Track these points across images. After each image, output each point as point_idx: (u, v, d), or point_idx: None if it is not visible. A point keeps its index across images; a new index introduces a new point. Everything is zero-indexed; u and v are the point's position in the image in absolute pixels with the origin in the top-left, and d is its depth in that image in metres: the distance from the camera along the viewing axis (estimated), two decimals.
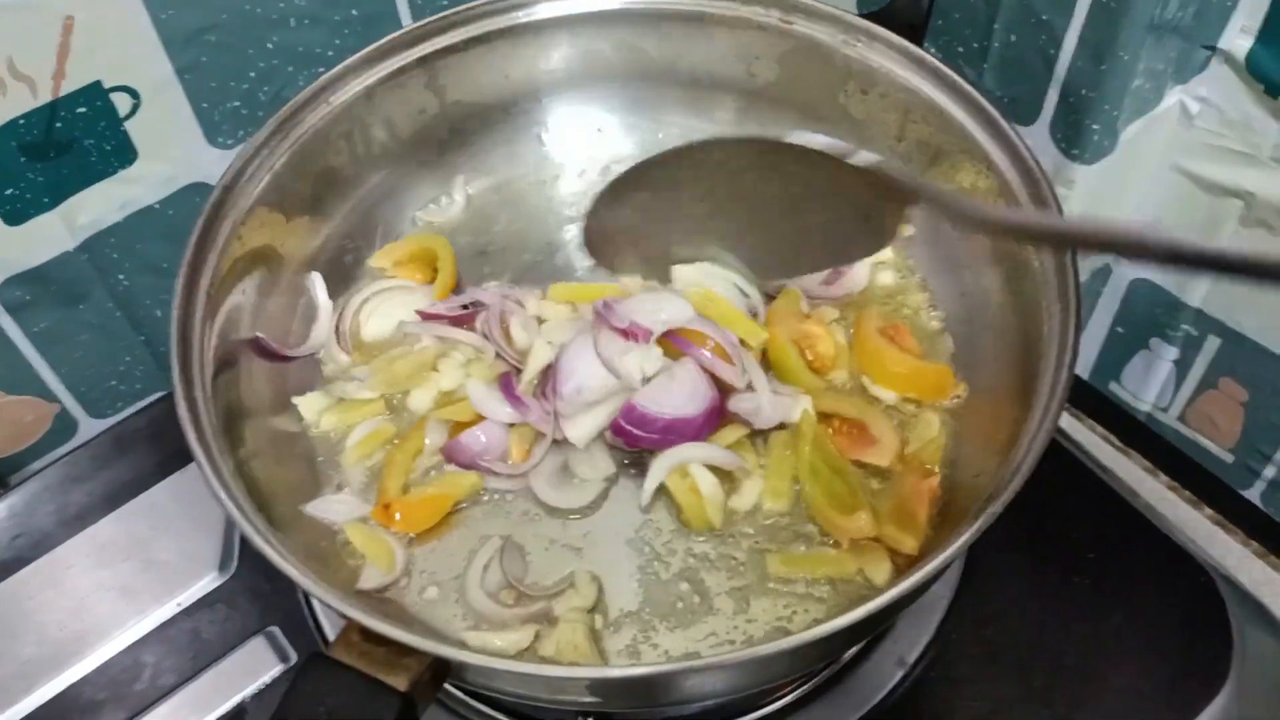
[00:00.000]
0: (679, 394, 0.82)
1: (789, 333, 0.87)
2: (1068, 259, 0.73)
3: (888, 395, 0.86)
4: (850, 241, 0.79)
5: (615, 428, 0.83)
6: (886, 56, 0.88)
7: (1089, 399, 1.04)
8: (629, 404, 0.82)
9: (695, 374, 0.83)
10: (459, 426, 0.85)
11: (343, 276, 0.95)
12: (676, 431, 0.82)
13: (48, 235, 0.96)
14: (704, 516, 0.80)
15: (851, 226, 0.77)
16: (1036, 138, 1.06)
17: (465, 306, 0.92)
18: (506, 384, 0.85)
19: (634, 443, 0.83)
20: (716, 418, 0.83)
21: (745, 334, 0.86)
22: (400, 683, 0.60)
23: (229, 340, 0.80)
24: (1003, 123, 0.81)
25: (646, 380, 0.82)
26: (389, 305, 0.93)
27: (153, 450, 0.99)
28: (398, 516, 0.81)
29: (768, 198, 0.78)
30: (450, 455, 0.84)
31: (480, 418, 0.84)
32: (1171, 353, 1.22)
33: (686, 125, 1.00)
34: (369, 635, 0.61)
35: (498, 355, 0.89)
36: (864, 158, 0.72)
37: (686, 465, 0.81)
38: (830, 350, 0.88)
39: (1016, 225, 0.72)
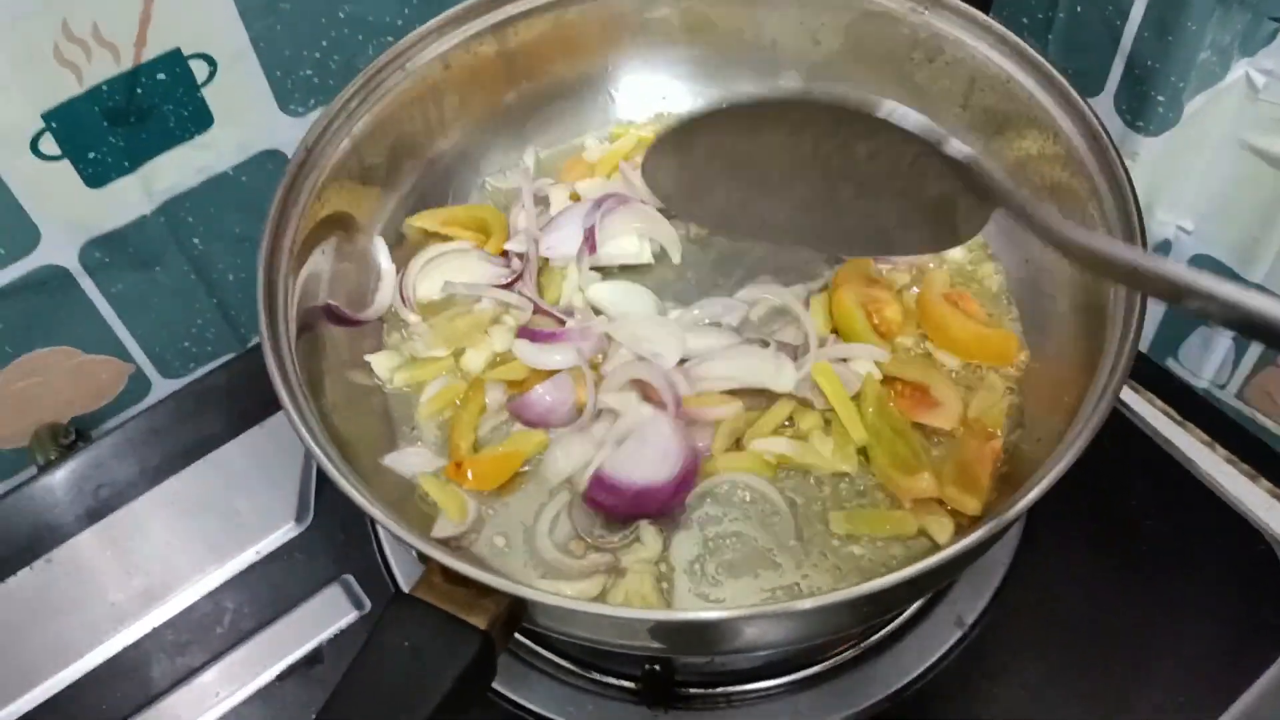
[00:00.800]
0: (650, 458, 0.80)
1: (856, 296, 0.88)
2: (1136, 230, 0.73)
3: (952, 361, 0.87)
4: (919, 233, 0.76)
5: (589, 499, 0.81)
6: (953, 24, 0.89)
7: (1149, 373, 1.04)
8: (596, 474, 0.80)
9: (668, 433, 0.80)
10: (515, 385, 0.86)
11: (413, 242, 0.96)
12: (649, 499, 0.79)
13: (126, 198, 0.99)
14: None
15: (925, 218, 0.74)
16: (1101, 109, 1.06)
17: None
18: (535, 333, 0.86)
19: (607, 511, 0.81)
20: (691, 479, 0.81)
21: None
22: (480, 621, 0.62)
23: (309, 298, 0.82)
24: (1071, 91, 0.81)
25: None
26: (445, 267, 0.94)
27: (228, 408, 1.02)
28: (470, 475, 0.82)
29: (842, 169, 0.74)
30: (517, 413, 0.85)
31: (536, 375, 0.85)
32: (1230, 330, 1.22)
33: (752, 93, 1.01)
34: (450, 576, 0.63)
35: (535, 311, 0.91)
36: (956, 148, 0.67)
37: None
38: (897, 315, 0.88)
39: (1100, 256, 0.62)
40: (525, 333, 0.87)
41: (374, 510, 0.64)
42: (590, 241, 0.92)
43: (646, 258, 0.94)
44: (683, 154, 0.77)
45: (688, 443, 0.81)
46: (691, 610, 0.64)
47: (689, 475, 0.80)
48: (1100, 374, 0.71)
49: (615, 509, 0.80)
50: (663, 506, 0.79)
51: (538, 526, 0.80)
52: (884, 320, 0.87)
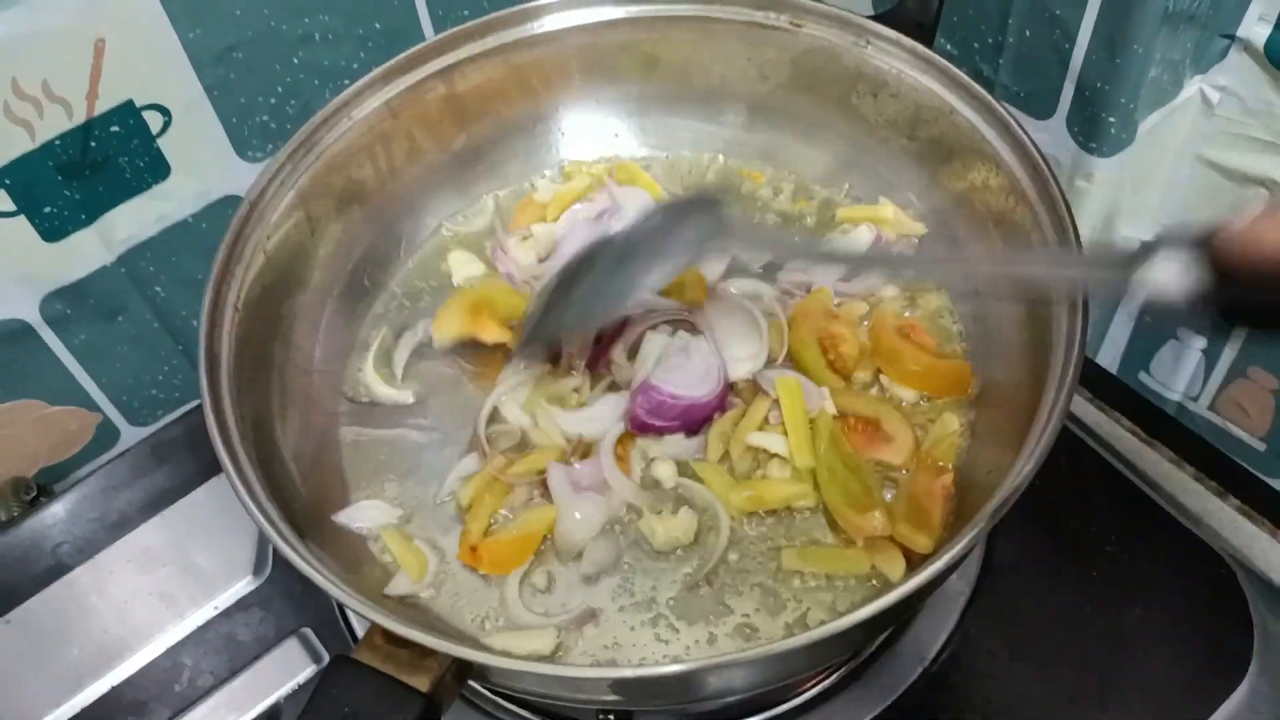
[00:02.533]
0: (695, 374, 0.84)
1: (814, 330, 0.88)
2: (1073, 249, 0.73)
3: (907, 394, 0.87)
4: None
5: (635, 421, 0.84)
6: (896, 57, 0.89)
7: (1116, 393, 1.04)
8: (645, 391, 0.83)
9: (707, 349, 0.85)
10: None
11: (361, 295, 0.97)
12: (695, 413, 0.83)
13: (86, 251, 0.99)
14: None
15: None
16: (1054, 132, 1.06)
17: None
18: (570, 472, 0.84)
19: (655, 430, 0.84)
20: (727, 396, 0.85)
21: None
22: (422, 683, 0.61)
23: (258, 352, 0.82)
24: (1012, 122, 0.81)
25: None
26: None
27: (190, 457, 1.01)
28: (485, 559, 0.80)
29: None
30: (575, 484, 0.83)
31: None
32: (1200, 342, 1.21)
33: (700, 129, 1.02)
34: (391, 638, 0.63)
35: None
36: None
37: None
38: (854, 352, 0.88)
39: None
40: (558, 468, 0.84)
41: (312, 573, 0.64)
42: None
43: None
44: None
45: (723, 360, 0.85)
46: (640, 668, 0.63)
47: (726, 392, 0.84)
48: (1046, 396, 0.71)
49: (663, 427, 0.83)
50: (704, 422, 0.84)
51: (507, 582, 0.80)
52: (840, 356, 0.87)
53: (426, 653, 0.62)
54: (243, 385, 0.77)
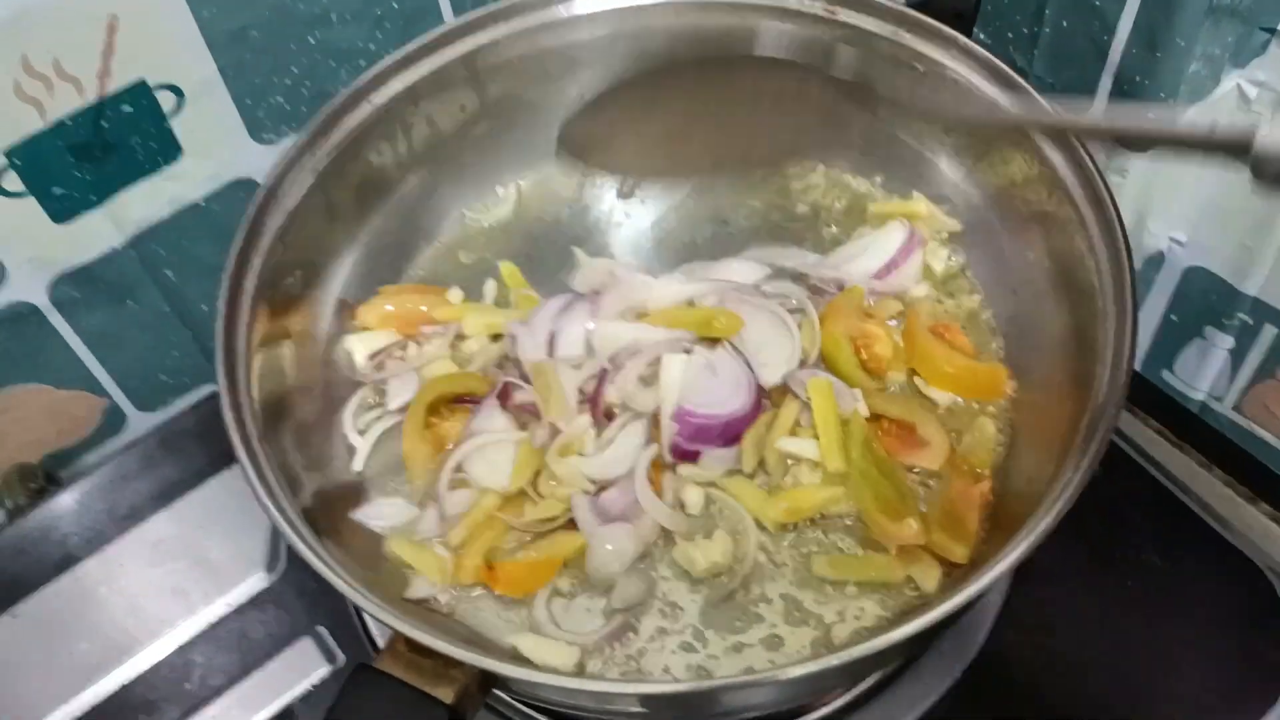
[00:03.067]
0: (726, 387, 0.82)
1: (847, 329, 0.86)
2: (1124, 259, 0.71)
3: (941, 396, 0.85)
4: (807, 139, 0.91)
5: (675, 450, 0.81)
6: (933, 46, 0.86)
7: (1141, 391, 1.02)
8: (681, 413, 0.80)
9: (731, 360, 0.83)
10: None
11: (379, 280, 0.94)
12: (735, 427, 0.81)
13: (96, 233, 0.97)
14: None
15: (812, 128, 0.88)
16: None
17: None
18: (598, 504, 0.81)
19: (689, 456, 0.82)
20: (760, 404, 0.83)
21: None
22: (446, 695, 0.60)
23: (274, 344, 0.80)
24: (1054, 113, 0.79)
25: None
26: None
27: (201, 448, 1.00)
28: (499, 579, 0.78)
29: (731, 103, 0.86)
30: (604, 512, 0.80)
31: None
32: (1227, 341, 1.20)
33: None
34: (415, 646, 0.61)
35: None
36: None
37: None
38: (888, 352, 0.86)
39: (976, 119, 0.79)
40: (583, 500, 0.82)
41: (333, 577, 0.62)
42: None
43: None
44: (599, 122, 0.89)
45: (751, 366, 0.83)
46: (666, 683, 0.62)
47: (759, 400, 0.82)
48: (1091, 411, 0.69)
49: (696, 449, 0.81)
50: (742, 433, 0.82)
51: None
52: (874, 356, 0.85)
53: (451, 663, 0.61)
54: (259, 378, 0.75)
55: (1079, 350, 0.74)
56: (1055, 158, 0.80)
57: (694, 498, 0.81)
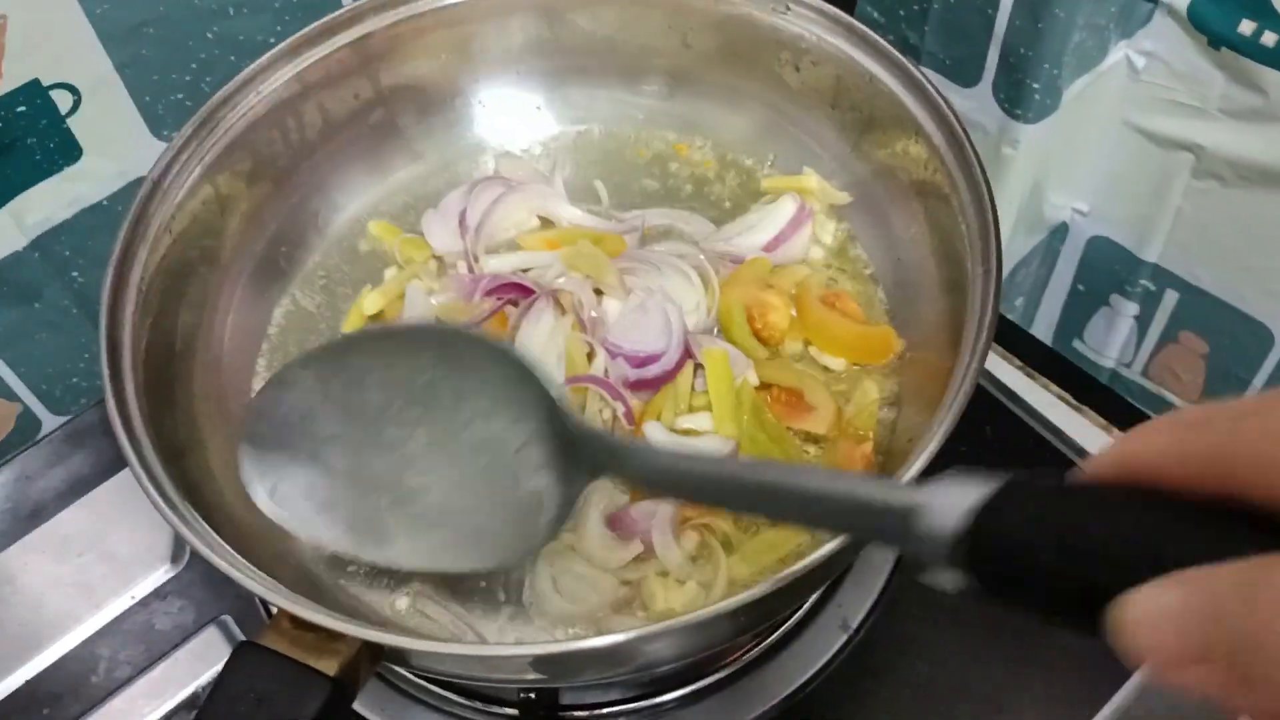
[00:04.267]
0: (653, 328, 0.84)
1: (744, 297, 0.87)
2: (990, 218, 0.73)
3: (836, 363, 0.86)
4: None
5: (628, 383, 0.83)
6: (818, 25, 0.88)
7: (1049, 362, 1.04)
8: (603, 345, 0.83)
9: (661, 305, 0.84)
10: None
11: (276, 275, 0.94)
12: (653, 364, 0.83)
13: None
14: None
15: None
16: (980, 99, 1.06)
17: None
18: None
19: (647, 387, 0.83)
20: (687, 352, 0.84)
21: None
22: (329, 667, 0.60)
23: (164, 337, 0.80)
24: (930, 88, 0.80)
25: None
26: None
27: (108, 443, 0.97)
28: None
29: None
30: (616, 526, 0.79)
31: None
32: (1132, 309, 1.23)
33: (622, 99, 1.00)
34: (299, 622, 0.62)
35: None
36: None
37: None
38: (784, 322, 0.87)
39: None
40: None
41: (210, 554, 0.63)
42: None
43: None
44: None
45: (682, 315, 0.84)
46: (548, 643, 0.62)
47: (687, 347, 0.83)
48: (960, 360, 0.70)
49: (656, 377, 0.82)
50: (665, 375, 0.82)
51: None
52: (769, 325, 0.86)
53: (335, 636, 0.61)
54: (148, 370, 0.75)
55: (954, 311, 0.76)
56: (932, 132, 0.81)
57: (689, 543, 0.79)
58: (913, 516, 0.40)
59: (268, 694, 0.60)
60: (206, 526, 0.66)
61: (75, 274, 1.04)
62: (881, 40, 0.84)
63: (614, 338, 0.84)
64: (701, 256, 0.90)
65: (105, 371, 0.71)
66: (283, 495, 0.66)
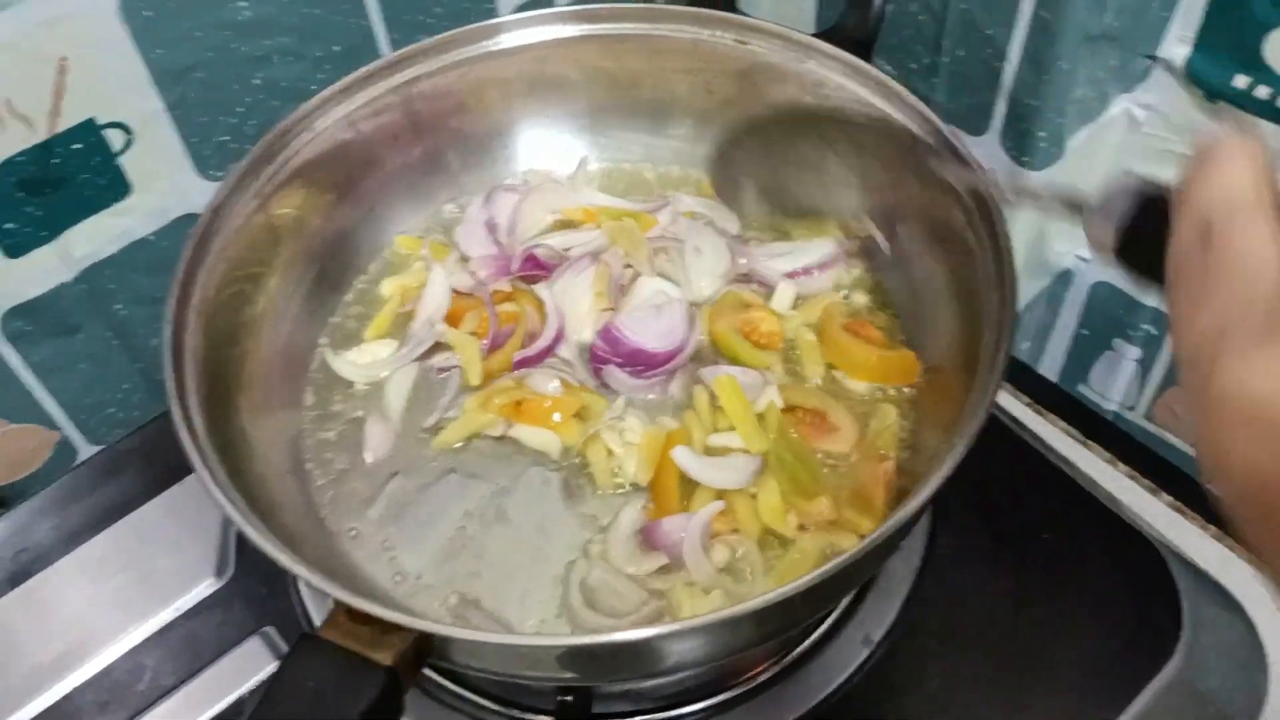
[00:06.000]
0: (657, 329, 0.90)
1: (731, 322, 0.92)
2: (1003, 243, 0.77)
3: (860, 387, 0.90)
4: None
5: (592, 349, 0.91)
6: (837, 72, 0.93)
7: (1057, 400, 1.08)
8: (606, 325, 0.90)
9: (681, 314, 0.91)
10: None
11: (324, 297, 0.98)
12: (641, 361, 0.89)
13: (46, 267, 1.00)
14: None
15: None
16: (988, 147, 1.11)
17: None
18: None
19: (601, 361, 0.90)
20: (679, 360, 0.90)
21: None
22: (385, 658, 0.63)
23: (220, 360, 0.84)
24: (944, 130, 0.85)
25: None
26: None
27: (146, 469, 1.02)
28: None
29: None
30: (647, 538, 0.82)
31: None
32: (1134, 352, 1.26)
33: (651, 142, 1.05)
34: (354, 616, 0.64)
35: None
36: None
37: None
38: (775, 327, 0.92)
39: None
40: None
41: (275, 552, 0.66)
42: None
43: None
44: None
45: (693, 333, 0.91)
46: (580, 637, 0.65)
47: (678, 355, 0.90)
48: (976, 383, 0.74)
49: (606, 359, 0.89)
50: (643, 372, 0.89)
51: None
52: (762, 335, 0.91)
53: (389, 628, 0.64)
54: (208, 388, 0.79)
55: (970, 338, 0.80)
56: (951, 176, 0.86)
57: (721, 555, 0.81)
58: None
59: (326, 683, 0.62)
60: (265, 528, 0.69)
61: (118, 306, 1.08)
62: (898, 85, 0.89)
63: (620, 323, 0.90)
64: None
65: (170, 381, 0.74)
66: None
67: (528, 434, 0.88)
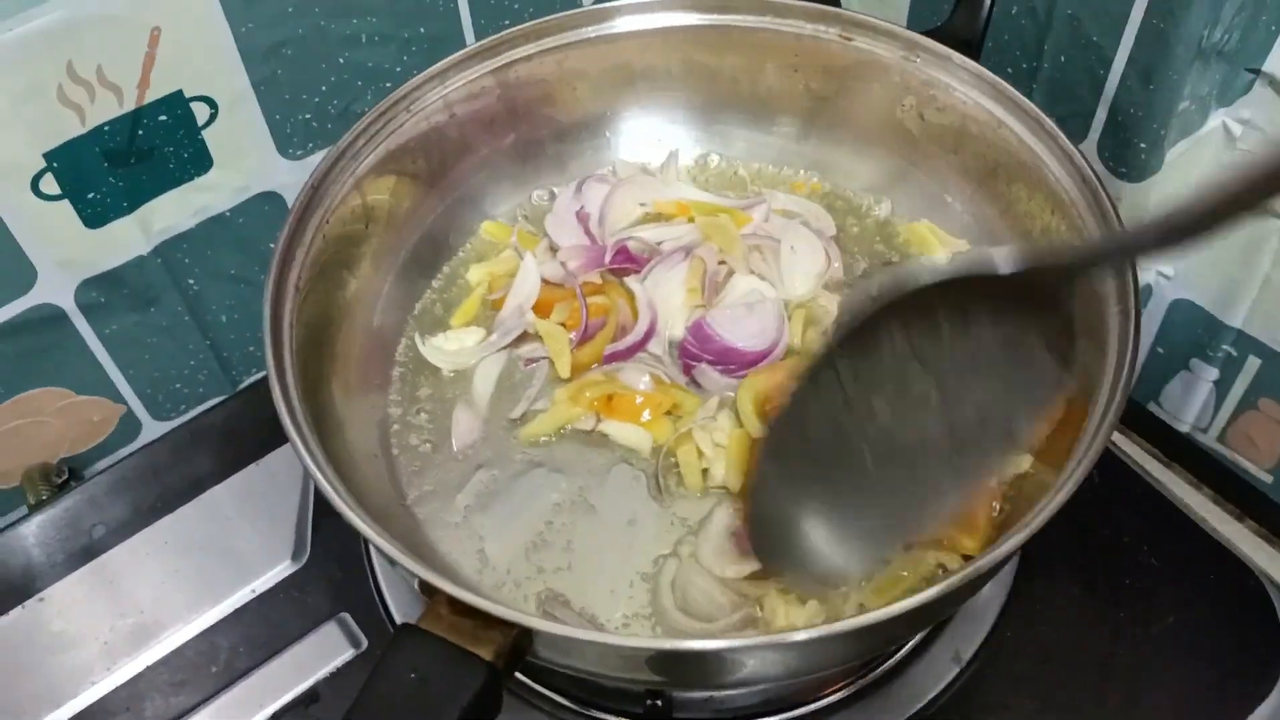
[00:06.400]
0: (749, 328, 0.89)
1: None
2: (1128, 272, 0.75)
3: None
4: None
5: (682, 346, 0.90)
6: (945, 71, 0.91)
7: (1133, 415, 1.05)
8: (698, 320, 0.89)
9: (775, 314, 0.89)
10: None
11: (416, 277, 0.97)
12: (732, 360, 0.87)
13: (124, 239, 0.99)
14: None
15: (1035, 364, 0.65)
16: (1085, 155, 1.09)
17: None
18: None
19: (691, 358, 0.89)
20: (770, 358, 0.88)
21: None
22: (486, 653, 0.62)
23: (315, 338, 0.83)
24: (1061, 137, 0.83)
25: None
26: None
27: (223, 448, 1.01)
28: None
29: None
30: (743, 542, 0.79)
31: None
32: (1211, 373, 1.23)
33: (749, 138, 1.03)
34: (456, 607, 0.63)
35: None
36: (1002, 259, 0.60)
37: None
38: None
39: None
40: None
41: (378, 538, 0.64)
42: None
43: None
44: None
45: (785, 333, 0.89)
46: (685, 641, 0.64)
47: (770, 354, 0.88)
48: (1094, 411, 0.72)
49: (697, 356, 0.88)
50: (734, 371, 0.87)
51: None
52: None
53: (490, 623, 0.63)
54: (301, 365, 0.78)
55: (1086, 361, 0.78)
56: (1060, 177, 0.84)
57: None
58: None
59: (429, 675, 0.61)
60: (365, 513, 0.68)
61: (192, 282, 1.07)
62: (1010, 87, 0.87)
63: (712, 320, 0.89)
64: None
65: (270, 355, 0.73)
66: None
67: (618, 429, 0.87)
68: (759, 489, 0.68)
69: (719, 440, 0.84)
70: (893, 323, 0.64)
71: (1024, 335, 0.64)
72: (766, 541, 0.71)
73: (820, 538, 0.70)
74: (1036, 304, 0.63)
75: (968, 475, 0.70)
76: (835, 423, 0.67)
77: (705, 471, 0.84)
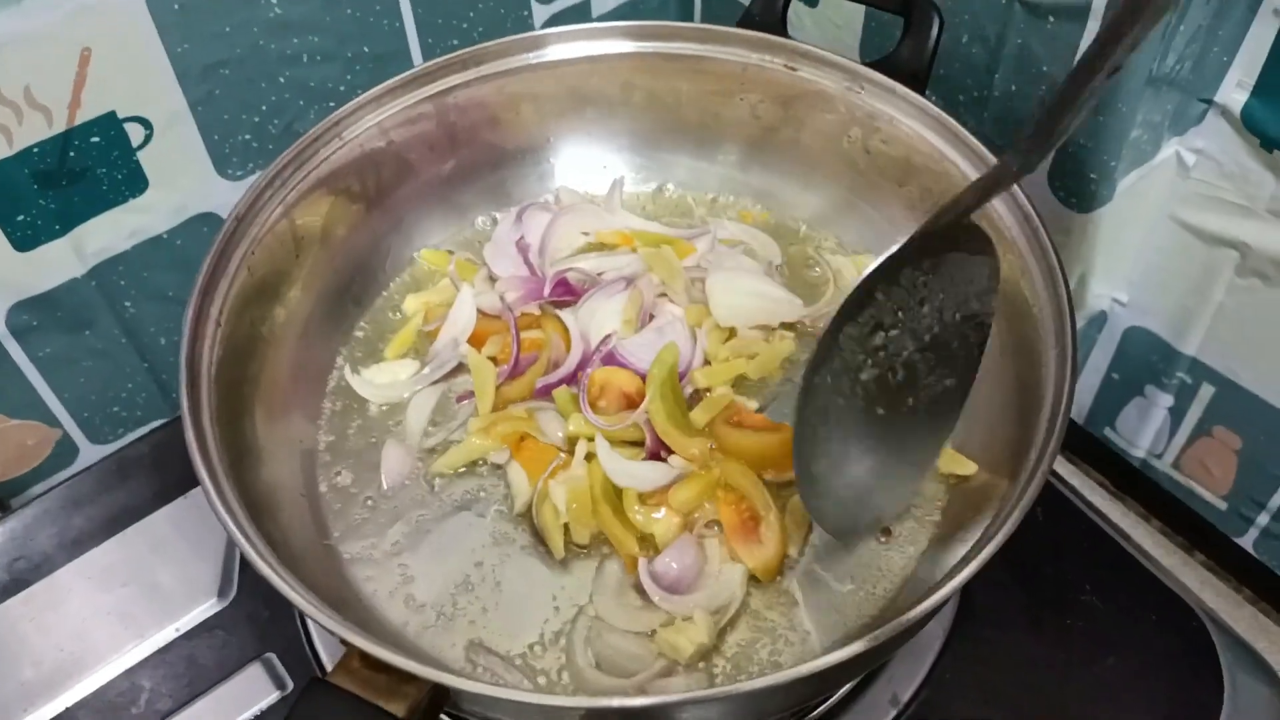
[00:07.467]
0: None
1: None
2: (1065, 304, 0.74)
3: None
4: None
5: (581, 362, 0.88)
6: (889, 103, 0.90)
7: (1083, 444, 1.05)
8: (609, 350, 0.88)
9: (684, 336, 0.88)
10: None
11: (343, 314, 0.96)
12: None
13: (57, 261, 0.97)
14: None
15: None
16: (1035, 186, 1.08)
17: None
18: None
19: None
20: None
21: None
22: (399, 709, 0.60)
23: (237, 370, 0.81)
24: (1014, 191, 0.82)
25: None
26: None
27: (154, 477, 0.99)
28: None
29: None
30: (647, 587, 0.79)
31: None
32: (1166, 400, 1.23)
33: (692, 165, 1.03)
34: (369, 662, 0.61)
35: None
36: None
37: None
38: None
39: None
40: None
41: (288, 590, 0.63)
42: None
43: None
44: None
45: (697, 355, 0.88)
46: (608, 699, 0.62)
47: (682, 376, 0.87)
48: (1032, 448, 0.71)
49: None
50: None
51: None
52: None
53: (404, 678, 0.61)
54: (221, 401, 0.76)
55: (1023, 396, 0.77)
56: (1002, 212, 0.83)
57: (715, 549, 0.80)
58: None
59: None
60: (273, 554, 0.66)
61: (128, 304, 1.05)
62: (953, 120, 0.86)
63: (622, 348, 0.88)
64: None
65: (184, 396, 0.71)
66: None
67: (515, 475, 0.85)
68: (803, 445, 0.73)
69: (574, 495, 0.81)
70: (875, 287, 0.73)
71: (963, 264, 0.74)
72: (814, 490, 0.75)
73: (860, 484, 0.77)
74: (963, 241, 0.74)
75: (957, 379, 0.78)
76: (849, 382, 0.74)
77: (566, 527, 0.82)
